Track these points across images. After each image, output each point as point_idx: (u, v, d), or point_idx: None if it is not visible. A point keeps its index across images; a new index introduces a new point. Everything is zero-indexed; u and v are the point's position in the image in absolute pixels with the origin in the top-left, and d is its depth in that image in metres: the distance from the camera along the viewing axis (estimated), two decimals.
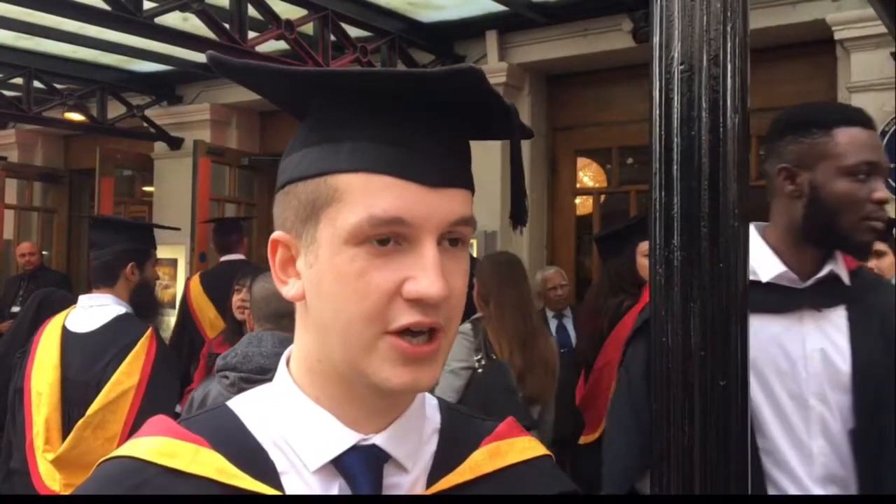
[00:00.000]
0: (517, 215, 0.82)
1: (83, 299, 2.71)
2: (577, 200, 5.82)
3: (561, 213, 5.64)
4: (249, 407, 0.83)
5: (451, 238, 0.76)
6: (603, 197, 5.79)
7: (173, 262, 6.58)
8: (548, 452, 0.93)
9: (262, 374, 2.03)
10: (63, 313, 2.71)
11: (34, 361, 2.58)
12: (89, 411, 2.43)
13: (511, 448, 0.89)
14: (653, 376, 1.33)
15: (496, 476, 0.86)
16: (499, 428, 0.91)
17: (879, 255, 3.52)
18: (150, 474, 0.77)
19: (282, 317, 2.15)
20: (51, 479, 2.45)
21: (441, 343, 0.76)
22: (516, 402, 2.80)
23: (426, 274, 0.72)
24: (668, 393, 1.29)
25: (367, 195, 0.72)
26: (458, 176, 0.76)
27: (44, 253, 7.64)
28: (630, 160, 6.18)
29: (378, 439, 0.79)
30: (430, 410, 0.87)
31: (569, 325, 4.82)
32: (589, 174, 6.24)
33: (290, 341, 2.35)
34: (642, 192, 5.06)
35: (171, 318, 5.50)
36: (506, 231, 5.32)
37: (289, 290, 0.79)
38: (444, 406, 0.90)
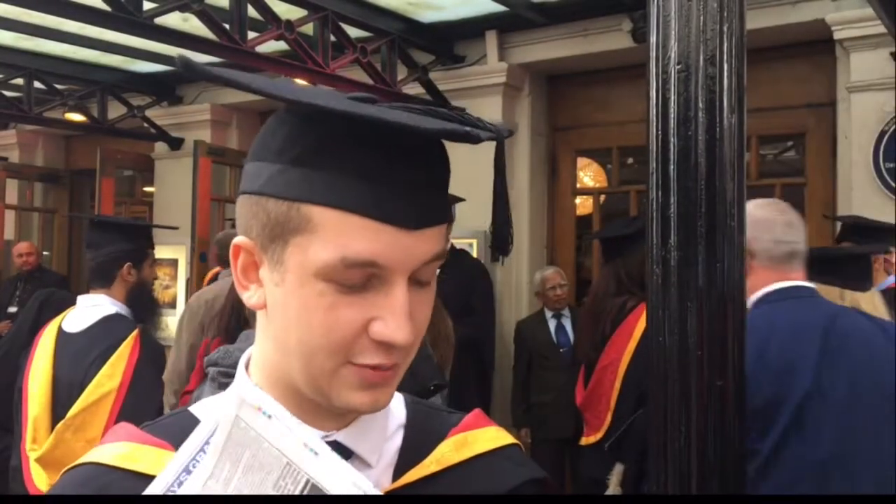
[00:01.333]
0: (500, 244, 0.82)
1: (81, 300, 2.72)
2: (578, 200, 5.82)
3: (561, 213, 5.64)
4: (211, 410, 0.84)
5: (421, 278, 0.75)
6: (603, 197, 5.79)
7: (174, 263, 6.59)
8: (515, 441, 0.94)
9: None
10: (63, 314, 2.72)
11: (32, 362, 2.59)
12: (70, 413, 2.42)
13: (477, 439, 0.90)
14: (650, 376, 1.34)
15: (463, 467, 0.87)
16: (465, 419, 0.92)
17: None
18: (114, 478, 0.79)
19: None
20: (39, 479, 2.45)
21: (401, 366, 0.77)
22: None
23: (395, 318, 0.72)
24: (665, 393, 1.29)
25: (342, 234, 0.71)
26: (436, 214, 0.75)
27: (45, 253, 7.65)
28: (630, 160, 6.18)
29: (340, 436, 0.80)
30: (394, 405, 0.88)
31: (567, 325, 4.83)
32: (589, 174, 6.24)
33: None
34: (642, 193, 5.06)
35: (171, 318, 5.51)
36: None
37: (250, 296, 0.78)
38: (409, 401, 0.92)
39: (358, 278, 0.72)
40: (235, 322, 3.45)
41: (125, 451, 0.80)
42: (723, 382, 1.27)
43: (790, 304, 2.07)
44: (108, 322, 2.63)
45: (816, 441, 1.92)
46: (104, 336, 2.56)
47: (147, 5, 4.08)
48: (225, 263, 4.67)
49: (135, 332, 2.56)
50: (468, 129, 0.72)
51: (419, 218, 0.73)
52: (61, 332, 2.63)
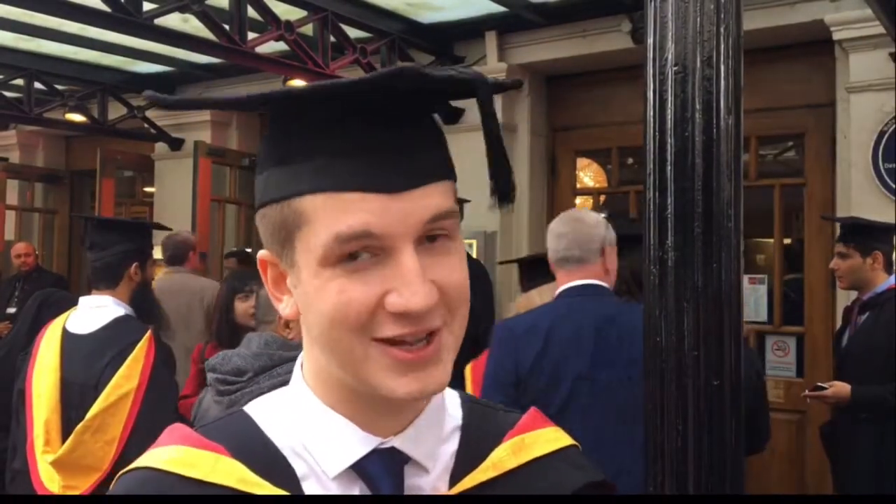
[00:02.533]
0: (502, 192, 0.76)
1: (84, 301, 2.71)
2: (577, 200, 5.82)
3: (561, 213, 5.64)
4: (267, 412, 0.82)
5: (432, 235, 0.72)
6: (603, 197, 5.79)
7: None
8: (573, 442, 0.91)
9: (237, 375, 2.00)
10: (64, 315, 2.70)
11: (35, 363, 2.58)
12: (88, 415, 2.42)
13: (535, 441, 0.87)
14: (646, 376, 1.34)
15: (520, 471, 0.84)
16: (522, 420, 0.89)
17: (843, 256, 3.53)
18: (168, 483, 0.77)
19: (274, 320, 2.17)
20: (50, 481, 2.45)
21: (443, 341, 0.73)
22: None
23: (407, 286, 0.69)
24: (662, 392, 1.29)
25: (331, 215, 0.70)
26: (425, 172, 0.73)
27: (45, 253, 7.66)
28: (630, 160, 6.18)
29: (397, 441, 0.78)
30: (450, 406, 0.85)
31: None
32: (589, 174, 6.24)
33: (277, 342, 2.31)
34: (642, 193, 5.07)
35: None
36: (505, 231, 5.33)
37: (284, 307, 0.79)
38: (465, 400, 0.88)
39: (360, 252, 0.70)
40: (227, 326, 3.46)
41: (180, 455, 0.78)
42: (719, 382, 1.27)
43: (566, 301, 2.45)
44: (119, 324, 2.62)
45: (578, 421, 2.15)
46: (117, 338, 2.56)
47: (147, 6, 4.09)
48: (171, 263, 4.70)
49: (148, 334, 2.56)
50: (412, 66, 0.68)
51: (403, 180, 0.71)
52: (67, 334, 2.61)
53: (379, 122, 0.72)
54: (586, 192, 5.92)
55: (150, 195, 7.30)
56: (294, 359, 2.21)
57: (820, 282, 4.66)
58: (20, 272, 6.52)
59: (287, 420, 0.80)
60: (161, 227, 3.46)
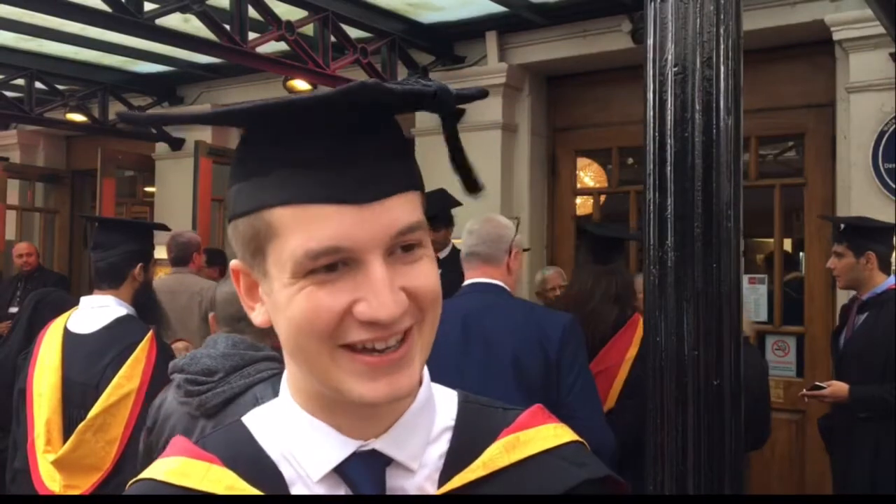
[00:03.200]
0: (469, 184, 0.79)
1: (85, 300, 2.71)
2: (578, 200, 5.82)
3: (561, 213, 5.64)
4: (261, 422, 0.85)
5: (405, 245, 0.74)
6: (603, 197, 5.79)
7: None
8: (577, 438, 0.88)
9: (208, 375, 1.97)
10: (66, 315, 2.71)
11: (36, 363, 2.58)
12: (90, 414, 2.43)
13: (532, 438, 0.85)
14: (646, 376, 1.34)
15: (513, 470, 0.82)
16: (521, 417, 0.87)
17: (839, 256, 3.53)
18: (165, 493, 0.81)
19: (238, 320, 2.10)
20: (51, 480, 2.46)
21: (413, 342, 0.75)
22: None
23: (375, 295, 0.71)
24: (661, 392, 1.30)
25: (300, 228, 0.71)
26: (392, 183, 0.74)
27: (45, 253, 7.66)
28: (630, 160, 6.18)
29: (378, 444, 0.79)
30: (443, 406, 0.86)
31: None
32: (590, 174, 6.24)
33: (244, 343, 2.29)
34: (643, 193, 5.07)
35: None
36: None
37: (256, 315, 0.80)
38: (461, 399, 0.88)
39: (329, 264, 0.71)
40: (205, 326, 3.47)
41: (177, 465, 0.83)
42: (719, 382, 1.28)
43: (462, 296, 2.64)
44: (121, 324, 2.63)
45: None
46: (120, 337, 2.56)
47: (148, 6, 4.09)
48: (176, 264, 4.72)
49: (150, 334, 2.56)
50: (371, 82, 0.69)
51: (373, 191, 0.72)
52: (68, 334, 2.61)
53: (343, 135, 0.73)
54: (586, 192, 5.92)
55: (151, 195, 7.30)
56: (264, 359, 2.17)
57: (820, 282, 4.67)
58: (22, 272, 6.52)
59: (277, 429, 0.83)
60: (163, 228, 3.46)
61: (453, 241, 4.52)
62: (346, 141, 0.73)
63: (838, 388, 3.36)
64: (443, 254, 4.52)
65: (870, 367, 3.35)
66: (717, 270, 1.26)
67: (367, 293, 0.71)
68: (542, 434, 0.86)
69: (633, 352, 3.29)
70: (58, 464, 2.44)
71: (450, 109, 0.75)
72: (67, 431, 2.49)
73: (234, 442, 0.84)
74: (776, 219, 4.82)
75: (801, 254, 5.43)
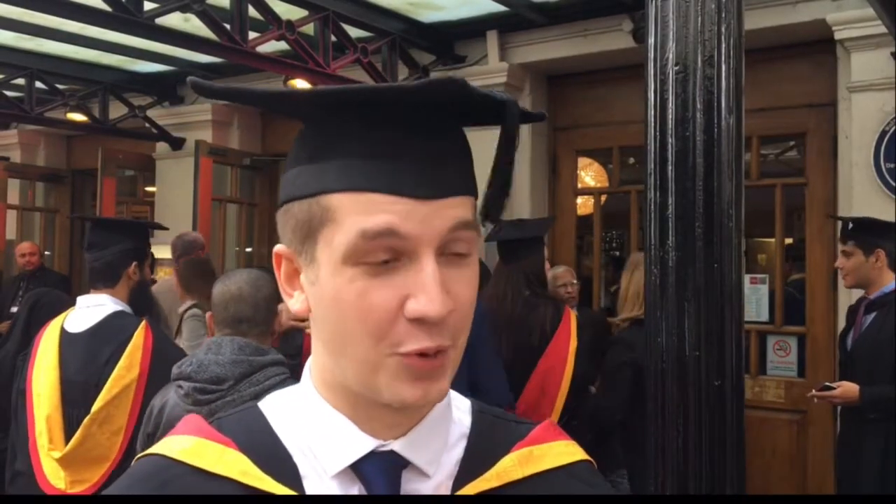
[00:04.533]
0: (493, 210, 0.77)
1: (81, 300, 2.72)
2: (579, 200, 5.81)
3: (562, 212, 5.64)
4: (278, 409, 0.84)
5: (455, 250, 0.75)
6: (604, 197, 5.79)
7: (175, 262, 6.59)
8: (586, 457, 0.90)
9: (217, 383, 1.94)
10: (63, 315, 2.72)
11: (34, 363, 2.59)
12: (94, 408, 2.45)
13: (545, 453, 0.86)
14: (648, 376, 1.34)
15: (525, 483, 0.83)
16: (534, 431, 0.88)
17: (847, 255, 3.52)
18: (177, 472, 0.80)
19: (241, 322, 2.07)
20: (56, 478, 2.46)
21: (449, 356, 0.75)
22: None
23: (426, 292, 0.71)
24: (663, 393, 1.29)
25: (359, 213, 0.72)
26: (453, 185, 0.75)
27: (46, 253, 7.66)
28: (631, 160, 6.18)
29: (396, 445, 0.79)
30: (459, 414, 0.86)
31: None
32: (591, 174, 6.23)
33: (250, 347, 2.27)
34: (643, 192, 5.07)
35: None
36: None
37: (294, 303, 0.80)
38: (475, 409, 0.88)
39: (383, 254, 0.72)
40: None
41: (191, 445, 0.82)
42: (720, 382, 1.27)
43: None
44: (114, 319, 2.64)
45: None
46: (116, 332, 2.57)
47: (148, 5, 4.09)
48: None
49: (143, 323, 2.58)
50: (457, 79, 0.70)
51: (433, 188, 0.73)
52: (64, 333, 2.62)
53: (414, 130, 0.74)
54: (587, 191, 5.91)
55: (151, 195, 7.30)
56: (271, 364, 2.15)
57: (821, 281, 4.66)
58: (24, 271, 6.53)
59: (295, 418, 0.82)
60: (159, 227, 3.46)
61: None
62: (415, 135, 0.74)
63: (849, 388, 3.32)
64: None
65: (879, 368, 3.31)
66: (718, 270, 1.25)
67: (418, 289, 0.71)
68: (556, 450, 0.87)
69: (573, 345, 3.39)
70: (64, 461, 2.45)
71: (514, 122, 0.75)
72: (68, 430, 2.49)
73: (250, 427, 0.83)
74: (777, 218, 4.81)
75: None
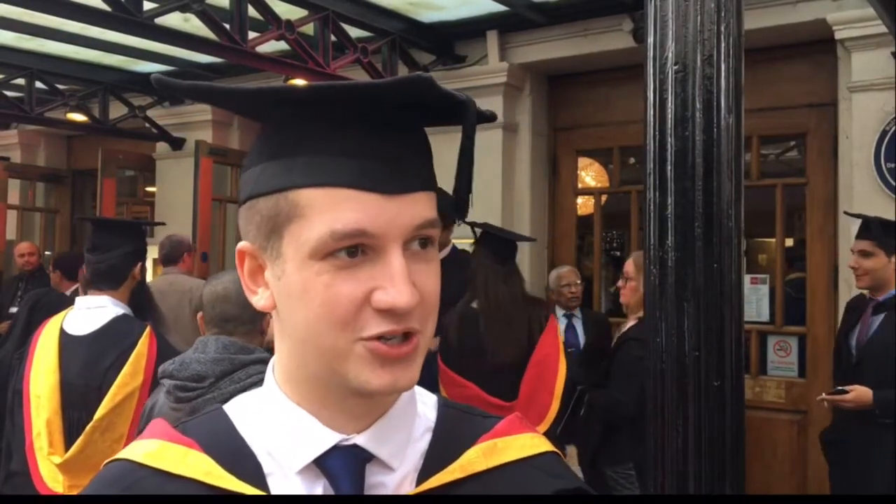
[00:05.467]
0: (461, 208, 0.80)
1: (81, 301, 2.70)
2: (579, 200, 5.81)
3: (562, 212, 5.64)
4: (242, 411, 0.86)
5: (421, 239, 0.76)
6: (604, 197, 5.79)
7: None
8: (553, 449, 0.90)
9: (198, 381, 1.94)
10: (60, 315, 2.69)
11: (32, 364, 2.57)
12: (97, 415, 2.43)
13: (509, 445, 0.87)
14: (648, 376, 1.34)
15: (490, 475, 0.84)
16: (499, 424, 0.89)
17: (866, 255, 3.47)
18: (142, 476, 0.81)
19: (227, 321, 2.08)
20: (54, 482, 2.45)
21: (418, 344, 0.76)
22: None
23: (394, 283, 0.73)
24: (662, 393, 1.29)
25: (328, 210, 0.73)
26: (418, 180, 0.77)
27: (47, 253, 7.66)
28: (632, 160, 6.17)
29: (359, 439, 0.79)
30: (423, 408, 0.87)
31: (578, 325, 4.81)
32: (591, 174, 6.23)
33: (235, 346, 2.27)
34: (643, 192, 5.06)
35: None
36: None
37: (258, 299, 0.80)
38: (441, 403, 0.90)
39: (350, 249, 0.73)
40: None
41: (155, 448, 0.83)
42: (720, 383, 1.27)
43: None
44: (118, 324, 2.62)
45: None
46: (120, 337, 2.56)
47: (148, 6, 4.09)
48: (166, 263, 4.77)
49: (147, 330, 2.57)
50: (421, 73, 0.72)
51: (400, 184, 0.74)
52: (65, 335, 2.60)
53: (382, 126, 0.75)
54: (587, 191, 5.91)
55: (152, 195, 7.30)
56: (254, 363, 2.14)
57: (822, 282, 4.65)
58: (24, 272, 6.53)
59: (258, 418, 0.83)
60: (160, 225, 3.46)
61: (453, 241, 4.52)
62: (382, 132, 0.75)
63: (862, 392, 3.25)
64: (443, 254, 4.52)
65: (891, 371, 3.24)
66: (717, 270, 1.25)
67: (385, 281, 0.73)
68: (520, 442, 0.88)
69: (561, 339, 3.63)
70: (64, 466, 2.44)
71: (472, 122, 0.77)
72: (68, 433, 2.48)
73: (213, 428, 0.84)
74: (778, 218, 4.81)
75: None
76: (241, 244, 0.80)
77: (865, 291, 3.61)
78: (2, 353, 3.36)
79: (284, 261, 0.76)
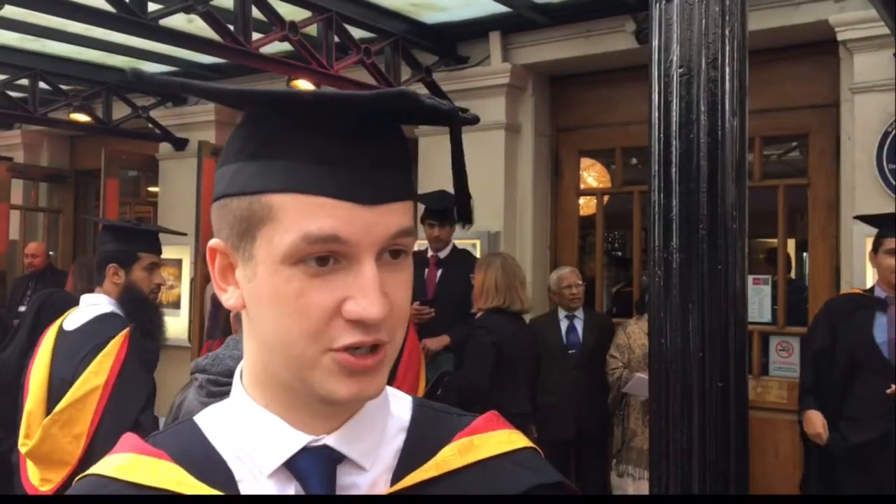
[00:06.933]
0: (462, 214, 0.82)
1: (83, 298, 2.79)
2: (581, 201, 5.81)
3: (564, 213, 5.64)
4: (212, 419, 0.85)
5: (393, 250, 0.76)
6: (606, 197, 5.79)
7: (178, 263, 6.60)
8: (530, 445, 0.90)
9: (230, 376, 1.98)
10: (67, 313, 2.76)
11: (34, 360, 2.64)
12: (57, 408, 2.45)
13: (485, 442, 0.86)
14: (652, 377, 1.34)
15: (466, 472, 0.83)
16: (475, 422, 0.89)
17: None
18: (114, 489, 0.81)
19: None
20: (31, 473, 2.49)
21: (385, 354, 0.76)
22: None
23: (365, 294, 0.72)
24: (666, 394, 1.30)
25: (302, 215, 0.72)
26: (395, 190, 0.76)
27: (50, 253, 7.68)
28: (634, 161, 6.18)
29: (330, 439, 0.79)
30: (397, 408, 0.87)
31: (579, 326, 4.82)
32: (593, 174, 6.23)
33: None
34: (646, 193, 5.05)
35: (174, 319, 5.51)
36: (509, 231, 5.33)
37: (228, 298, 0.80)
38: (416, 403, 0.89)
39: (322, 256, 0.73)
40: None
41: (125, 461, 0.83)
42: (724, 384, 1.27)
43: None
44: (101, 320, 2.67)
45: None
46: (95, 333, 2.60)
47: (152, 7, 4.10)
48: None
49: (125, 331, 2.58)
50: (404, 88, 0.73)
51: (376, 194, 0.74)
52: (61, 331, 2.69)
53: (361, 136, 0.75)
54: (590, 192, 5.91)
55: (155, 195, 7.31)
56: None
57: (824, 282, 4.66)
58: (32, 272, 6.56)
59: (228, 425, 0.83)
60: (164, 231, 3.40)
61: (454, 241, 4.54)
62: (361, 141, 0.75)
63: None
64: (443, 253, 4.53)
65: None
66: (722, 272, 1.25)
67: (357, 292, 0.72)
68: (496, 439, 0.88)
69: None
70: (31, 456, 2.47)
71: (458, 126, 0.77)
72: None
73: (183, 439, 0.84)
74: (780, 219, 4.81)
75: (804, 254, 5.42)
76: (213, 241, 0.80)
77: (857, 290, 3.60)
78: (4, 355, 3.36)
79: (256, 263, 0.75)
